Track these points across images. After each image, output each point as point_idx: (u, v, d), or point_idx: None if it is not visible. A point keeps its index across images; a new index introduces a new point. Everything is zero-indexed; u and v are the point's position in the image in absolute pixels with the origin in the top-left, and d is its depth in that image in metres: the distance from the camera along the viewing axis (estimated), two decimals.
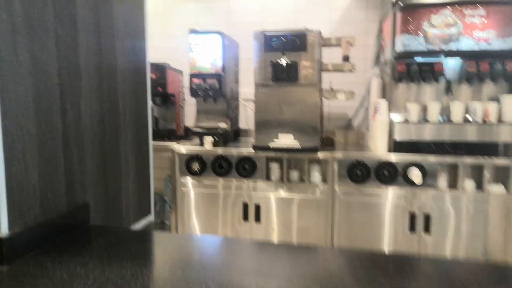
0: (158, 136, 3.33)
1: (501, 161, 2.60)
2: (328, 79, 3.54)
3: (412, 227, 2.72)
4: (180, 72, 3.63)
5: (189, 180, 2.96)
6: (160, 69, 3.21)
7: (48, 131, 0.97)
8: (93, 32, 1.16)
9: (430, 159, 2.65)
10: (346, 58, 2.85)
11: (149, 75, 1.54)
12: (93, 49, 1.15)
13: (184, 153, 2.95)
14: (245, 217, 2.90)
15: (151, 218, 1.55)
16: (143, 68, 1.50)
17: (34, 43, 0.92)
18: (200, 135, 3.06)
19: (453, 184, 2.71)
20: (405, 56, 2.68)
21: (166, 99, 3.40)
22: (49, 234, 0.99)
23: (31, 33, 0.91)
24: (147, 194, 1.56)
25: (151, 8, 3.74)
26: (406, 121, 2.75)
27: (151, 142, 1.59)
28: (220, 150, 2.89)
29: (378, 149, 2.79)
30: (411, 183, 2.67)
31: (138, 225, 1.46)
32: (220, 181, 2.92)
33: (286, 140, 2.80)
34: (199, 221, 2.98)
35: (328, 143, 3.31)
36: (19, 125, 0.88)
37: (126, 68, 1.36)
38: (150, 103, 1.57)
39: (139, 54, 1.47)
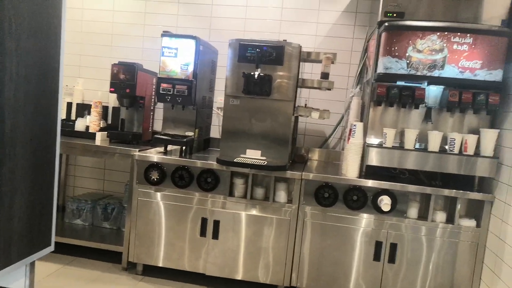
0: (122, 139, 3.16)
1: (475, 195, 2.46)
2: (308, 96, 3.42)
3: (377, 256, 2.56)
4: (155, 74, 3.46)
5: (147, 189, 2.77)
6: (129, 70, 3.03)
7: None
8: None
9: (402, 187, 2.50)
10: (325, 76, 2.69)
11: (61, 80, 1.31)
12: None
13: (143, 160, 2.76)
14: (203, 232, 2.71)
15: (50, 249, 1.32)
16: (54, 72, 1.25)
17: None
18: (165, 143, 2.88)
19: (424, 214, 2.57)
20: (386, 79, 2.54)
21: (134, 102, 3.22)
22: None
23: None
24: (47, 222, 1.32)
25: (130, 6, 3.64)
26: (381, 145, 2.60)
27: (57, 161, 1.35)
28: (182, 161, 2.71)
29: (350, 172, 2.63)
30: (380, 210, 2.52)
31: (29, 261, 1.24)
32: (180, 193, 2.73)
33: (253, 156, 2.63)
34: (154, 232, 2.78)
35: (299, 161, 3.14)
36: None
37: (23, 73, 1.12)
38: (60, 113, 1.33)
39: (48, 56, 1.22)
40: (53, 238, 1.33)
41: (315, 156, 3.37)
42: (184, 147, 2.90)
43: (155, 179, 2.72)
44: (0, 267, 1.14)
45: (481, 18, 2.45)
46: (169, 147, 3.00)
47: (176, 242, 2.76)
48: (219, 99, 3.49)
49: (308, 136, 3.47)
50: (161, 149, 3.01)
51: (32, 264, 1.39)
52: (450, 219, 2.55)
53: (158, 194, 2.75)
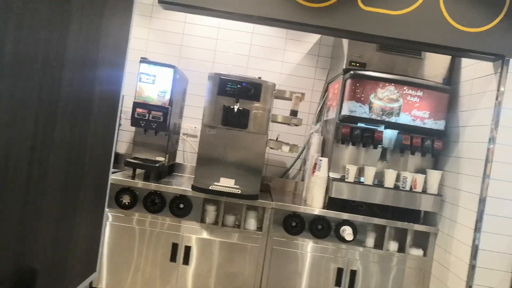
0: None
1: (422, 227, 2.80)
2: (271, 129, 3.63)
3: (339, 282, 2.77)
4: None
5: (117, 213, 2.72)
6: None
7: (8, 190, 0.78)
8: (78, 67, 0.93)
9: (361, 219, 2.76)
10: (294, 113, 2.92)
11: (118, 119, 1.30)
12: (74, 89, 0.93)
13: (114, 184, 2.72)
14: (173, 258, 2.72)
15: (95, 275, 1.30)
16: (115, 109, 1.22)
17: (17, 88, 0.73)
18: (134, 166, 2.86)
19: (379, 244, 2.85)
20: (350, 121, 2.83)
21: None
22: None
23: (16, 76, 0.73)
24: (96, 250, 1.30)
25: None
26: (343, 180, 2.86)
27: (108, 195, 1.35)
28: (155, 186, 2.72)
29: (315, 203, 2.84)
30: (342, 239, 2.75)
31: (83, 286, 1.21)
32: (151, 218, 2.72)
33: (227, 184, 2.74)
34: (123, 257, 2.72)
35: (264, 190, 3.30)
36: None
37: (101, 112, 1.11)
38: (115, 145, 1.33)
39: (115, 90, 1.19)
40: (98, 264, 1.30)
41: (276, 185, 3.55)
42: (151, 172, 2.90)
43: (127, 203, 2.69)
44: None
45: (428, 75, 2.89)
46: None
47: (145, 267, 2.72)
48: (185, 125, 3.55)
49: (269, 166, 3.65)
50: (128, 172, 2.98)
51: None
52: (401, 249, 2.85)
53: (129, 219, 2.71)
